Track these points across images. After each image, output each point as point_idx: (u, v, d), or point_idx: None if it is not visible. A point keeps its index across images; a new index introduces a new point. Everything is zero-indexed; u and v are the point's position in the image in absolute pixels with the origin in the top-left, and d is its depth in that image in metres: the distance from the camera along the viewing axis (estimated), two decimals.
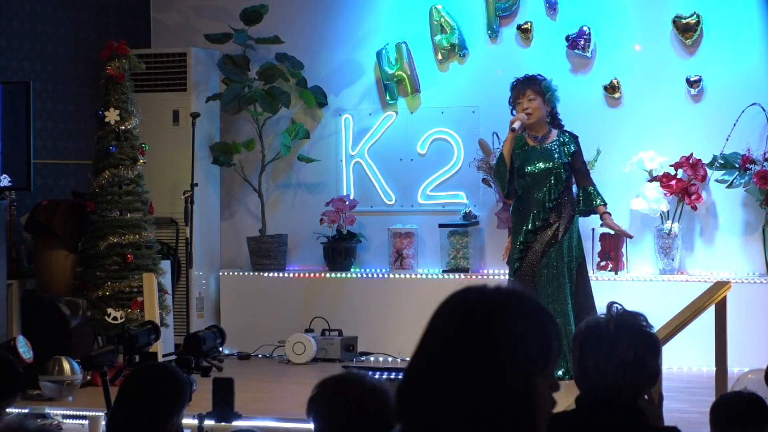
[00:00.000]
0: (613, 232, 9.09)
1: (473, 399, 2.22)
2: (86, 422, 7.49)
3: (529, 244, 8.48)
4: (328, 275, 10.24)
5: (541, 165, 8.46)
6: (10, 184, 8.81)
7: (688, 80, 9.68)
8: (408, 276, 10.06)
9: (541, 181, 8.47)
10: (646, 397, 3.62)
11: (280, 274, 10.31)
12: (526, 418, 2.24)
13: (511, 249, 8.66)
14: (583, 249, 8.71)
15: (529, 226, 8.46)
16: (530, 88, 8.52)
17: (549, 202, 8.46)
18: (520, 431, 2.24)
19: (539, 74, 8.73)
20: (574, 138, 8.60)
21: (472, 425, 2.22)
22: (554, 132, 8.58)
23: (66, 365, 8.18)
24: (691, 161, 9.49)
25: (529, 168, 8.47)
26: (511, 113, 8.66)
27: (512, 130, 8.38)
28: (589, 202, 8.53)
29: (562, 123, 8.66)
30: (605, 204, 8.60)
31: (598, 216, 8.76)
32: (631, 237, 9.04)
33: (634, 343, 3.47)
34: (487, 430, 2.22)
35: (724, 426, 4.21)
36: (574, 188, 8.67)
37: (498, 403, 2.22)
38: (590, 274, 8.83)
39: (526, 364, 2.24)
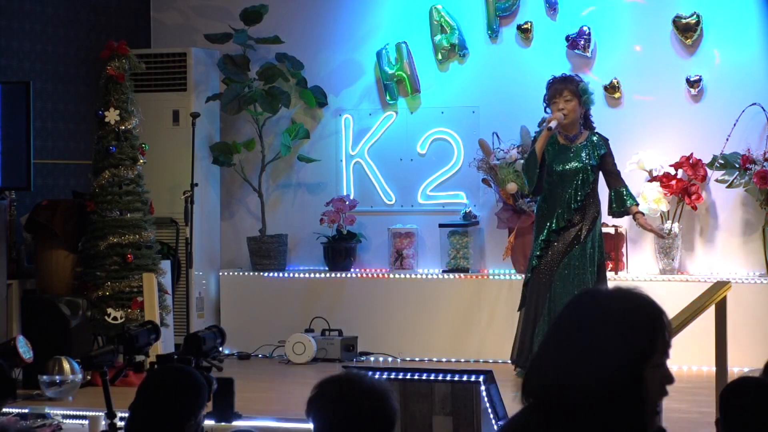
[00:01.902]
0: (613, 232, 9.09)
1: (587, 384, 2.54)
2: (86, 422, 7.49)
3: (550, 243, 8.47)
4: (328, 275, 10.24)
5: (570, 164, 8.44)
6: None
7: (688, 80, 9.69)
8: (408, 276, 10.06)
9: (568, 181, 8.44)
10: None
11: (280, 274, 10.31)
12: (632, 403, 2.56)
13: (533, 246, 8.65)
14: (604, 250, 8.68)
15: (554, 226, 8.45)
16: (567, 89, 8.48)
17: (574, 203, 8.44)
18: (625, 415, 2.56)
19: (577, 75, 8.73)
20: (605, 140, 8.56)
21: (585, 406, 2.55)
22: (585, 133, 8.55)
23: (66, 365, 8.19)
24: (691, 161, 9.49)
25: (557, 167, 8.44)
26: (545, 111, 8.64)
27: (548, 129, 8.35)
28: (622, 203, 8.50)
29: (594, 125, 8.64)
30: (638, 204, 8.58)
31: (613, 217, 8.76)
32: (664, 237, 9.00)
33: None
34: (598, 412, 2.55)
35: (734, 410, 4.14)
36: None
37: (607, 388, 2.54)
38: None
39: (632, 354, 2.56)
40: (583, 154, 8.44)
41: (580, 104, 8.47)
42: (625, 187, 8.52)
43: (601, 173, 8.46)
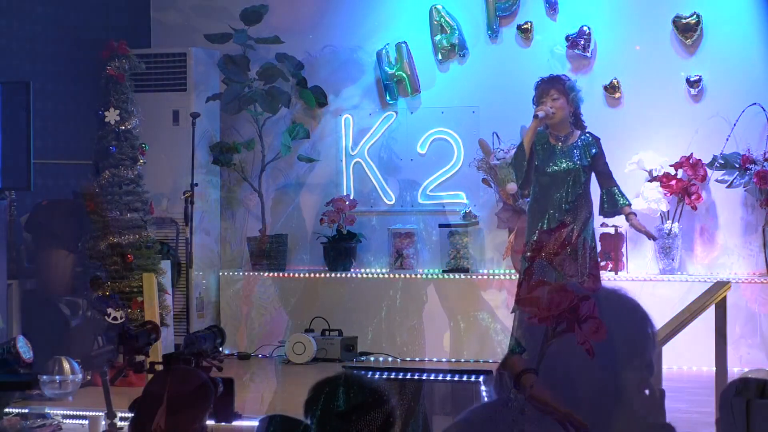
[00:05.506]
0: (613, 233, 9.08)
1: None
2: (86, 422, 7.50)
3: (541, 244, 8.43)
4: (328, 275, 10.24)
5: (562, 165, 8.41)
6: None
7: (688, 80, 9.69)
8: (408, 276, 10.06)
9: (559, 182, 8.41)
10: (647, 391, 3.61)
11: (280, 274, 10.31)
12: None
13: (526, 247, 8.63)
14: (596, 251, 8.66)
15: (545, 228, 8.42)
16: (554, 88, 8.46)
17: (566, 204, 8.41)
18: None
19: (564, 74, 8.71)
20: (596, 140, 8.54)
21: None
22: (576, 133, 8.52)
23: (66, 365, 8.19)
24: (691, 161, 9.49)
25: (549, 168, 8.42)
26: None
27: (536, 116, 8.29)
28: (614, 203, 8.47)
29: (585, 124, 8.61)
30: (630, 204, 8.55)
31: (601, 218, 8.75)
32: (655, 239, 8.98)
33: None
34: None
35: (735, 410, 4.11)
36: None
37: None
38: None
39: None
40: (575, 155, 8.41)
41: (568, 102, 8.44)
42: (617, 186, 8.47)
43: (593, 173, 8.45)
